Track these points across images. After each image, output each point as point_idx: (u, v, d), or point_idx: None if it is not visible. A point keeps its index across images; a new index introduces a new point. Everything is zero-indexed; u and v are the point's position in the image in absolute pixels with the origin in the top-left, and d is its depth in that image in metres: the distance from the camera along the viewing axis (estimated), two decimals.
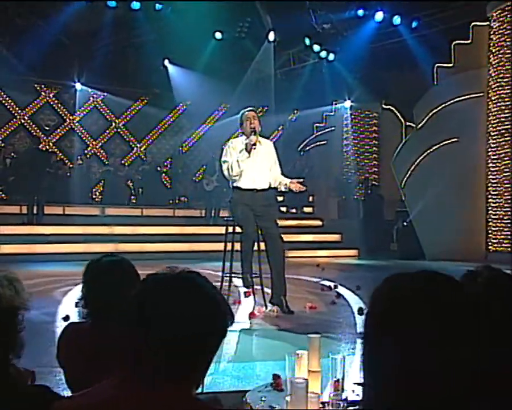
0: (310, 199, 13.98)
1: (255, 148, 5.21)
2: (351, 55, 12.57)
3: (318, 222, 13.14)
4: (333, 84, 13.72)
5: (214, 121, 16.27)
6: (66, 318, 4.45)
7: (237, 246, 5.36)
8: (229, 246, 5.47)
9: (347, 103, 14.77)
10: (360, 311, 5.38)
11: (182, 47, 12.60)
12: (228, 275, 5.52)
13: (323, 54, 13.07)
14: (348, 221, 12.78)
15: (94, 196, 13.42)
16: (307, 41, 12.64)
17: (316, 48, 12.85)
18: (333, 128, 15.06)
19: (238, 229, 5.38)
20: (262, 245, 5.37)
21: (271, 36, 12.28)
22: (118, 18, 12.16)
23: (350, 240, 12.12)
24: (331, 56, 13.12)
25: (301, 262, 10.31)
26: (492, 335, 0.93)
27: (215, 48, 12.89)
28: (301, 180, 5.41)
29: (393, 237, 11.89)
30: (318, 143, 15.45)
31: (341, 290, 6.79)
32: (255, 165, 5.22)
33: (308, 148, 15.84)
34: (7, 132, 14.08)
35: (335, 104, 15.09)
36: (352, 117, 14.98)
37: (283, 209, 13.34)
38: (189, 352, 1.04)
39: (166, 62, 14.43)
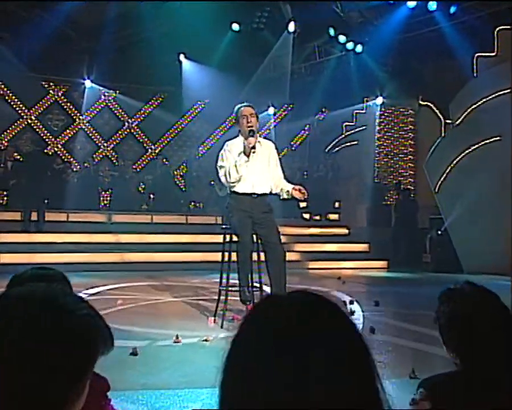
0: (336, 204, 13.90)
1: (254, 152, 5.20)
2: (381, 46, 12.31)
3: (344, 231, 13.00)
4: (362, 79, 13.48)
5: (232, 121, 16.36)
6: None
7: (235, 256, 5.34)
8: (229, 256, 5.48)
9: (379, 100, 14.54)
10: (372, 330, 5.28)
11: (197, 41, 12.68)
12: (224, 288, 5.50)
13: (350, 45, 12.83)
14: (377, 229, 12.57)
15: (102, 202, 13.62)
16: (331, 32, 12.45)
17: (342, 38, 12.66)
18: (363, 127, 14.92)
19: (235, 238, 5.35)
20: (262, 256, 5.37)
21: (291, 26, 12.19)
22: (129, 10, 12.34)
23: (378, 250, 11.95)
24: (359, 48, 12.87)
25: (324, 274, 10.31)
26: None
27: (232, 41, 12.94)
28: (300, 187, 5.30)
29: (427, 247, 11.65)
30: (347, 144, 15.33)
31: (356, 306, 6.67)
32: (254, 168, 5.21)
33: (336, 149, 15.73)
34: (13, 133, 14.46)
35: (367, 101, 14.94)
36: (386, 114, 14.78)
37: (306, 216, 13.33)
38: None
39: (181, 57, 14.57)
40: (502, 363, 1.49)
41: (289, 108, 16.78)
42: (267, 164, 5.32)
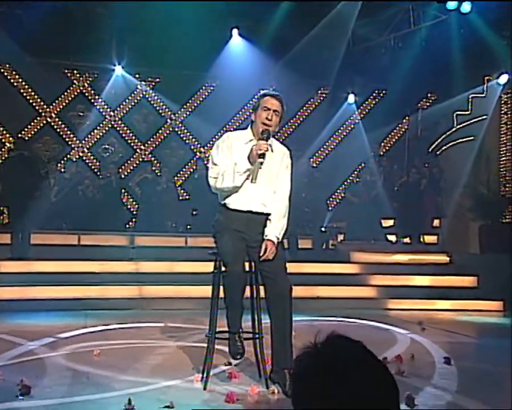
0: (435, 223, 13.36)
1: (262, 162, 4.91)
2: (497, 2, 11.70)
3: (444, 258, 12.40)
4: (475, 50, 12.83)
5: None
6: None
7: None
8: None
9: (503, 78, 13.95)
10: (409, 401, 4.69)
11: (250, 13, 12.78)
12: (210, 336, 5.22)
13: (452, 4, 12.18)
14: (491, 257, 11.79)
15: (127, 222, 13.73)
16: None
17: None
18: (484, 117, 14.41)
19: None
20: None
21: None
22: None
23: (491, 286, 11.11)
24: (465, 7, 12.19)
25: (408, 317, 9.81)
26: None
27: (288, 11, 13.00)
28: (271, 248, 4.97)
29: None
30: (459, 140, 14.75)
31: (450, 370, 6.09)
32: (256, 178, 5.00)
33: (444, 147, 15.21)
34: (30, 134, 14.95)
35: (488, 81, 14.37)
36: None
37: (391, 237, 12.99)
38: None
39: (234, 32, 14.57)
40: None
41: (379, 95, 16.47)
42: (274, 176, 5.07)
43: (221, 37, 14.28)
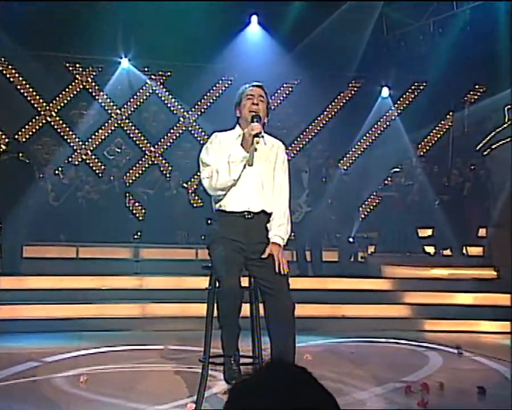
0: (480, 232, 13.21)
1: (259, 139, 5.00)
2: None
3: (490, 273, 12.22)
4: None
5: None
6: None
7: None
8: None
9: None
10: None
11: None
12: (203, 361, 5.17)
13: None
14: None
15: (133, 233, 13.80)
16: None
17: None
18: None
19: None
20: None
21: None
22: None
23: None
24: None
25: (447, 340, 9.63)
26: None
27: None
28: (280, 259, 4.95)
29: None
30: (509, 138, 14.53)
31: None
32: (251, 175, 5.05)
33: (494, 146, 15.01)
34: (27, 135, 15.11)
35: None
36: None
37: (429, 249, 12.86)
38: None
39: (253, 19, 14.60)
40: None
41: (419, 88, 16.38)
42: (271, 173, 5.14)
43: (237, 26, 14.35)
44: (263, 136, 4.96)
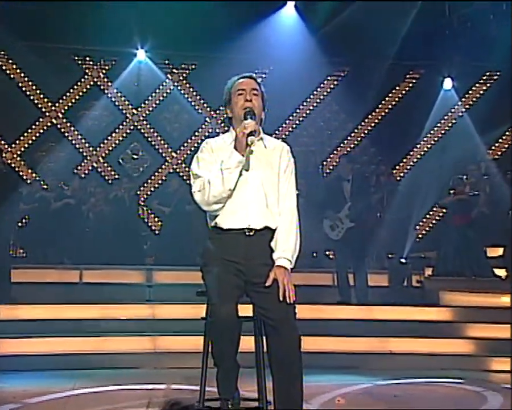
0: None
1: (252, 150, 4.84)
2: None
3: None
4: None
5: None
6: None
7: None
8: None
9: None
10: None
11: None
12: (197, 406, 5.01)
13: None
14: None
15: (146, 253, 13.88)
16: None
17: None
18: None
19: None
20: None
21: None
22: None
23: None
24: None
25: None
26: None
27: None
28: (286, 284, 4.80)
29: None
30: None
31: None
32: (250, 185, 4.93)
33: None
34: (30, 140, 15.18)
35: None
36: None
37: (500, 273, 12.65)
38: None
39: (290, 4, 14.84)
40: None
41: (491, 78, 16.33)
42: (274, 180, 5.02)
43: (270, 8, 14.43)
44: (261, 138, 4.96)
